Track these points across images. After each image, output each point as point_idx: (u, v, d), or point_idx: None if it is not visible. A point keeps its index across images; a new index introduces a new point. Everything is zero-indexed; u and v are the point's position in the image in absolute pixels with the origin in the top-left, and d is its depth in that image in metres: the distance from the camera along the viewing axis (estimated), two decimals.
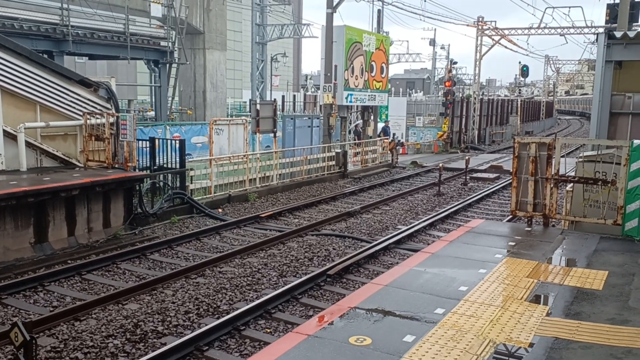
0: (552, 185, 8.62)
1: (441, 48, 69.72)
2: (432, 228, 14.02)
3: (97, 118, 13.37)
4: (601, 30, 29.80)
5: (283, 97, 38.39)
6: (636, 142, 8.10)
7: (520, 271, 6.40)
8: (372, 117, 27.36)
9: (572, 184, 9.28)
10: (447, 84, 36.46)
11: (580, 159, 9.16)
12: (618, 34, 12.12)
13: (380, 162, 26.09)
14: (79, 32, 20.56)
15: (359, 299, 5.30)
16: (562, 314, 5.19)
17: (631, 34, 12.01)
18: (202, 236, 12.65)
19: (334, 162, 21.99)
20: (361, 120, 27.27)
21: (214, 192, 16.18)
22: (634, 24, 23.11)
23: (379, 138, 27.16)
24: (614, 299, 5.63)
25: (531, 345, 4.48)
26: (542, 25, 39.91)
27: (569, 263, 6.96)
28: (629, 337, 4.68)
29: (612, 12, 22.93)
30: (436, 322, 4.83)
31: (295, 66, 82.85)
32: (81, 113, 13.35)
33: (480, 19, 39.95)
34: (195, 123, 23.74)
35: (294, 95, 40.87)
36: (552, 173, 8.55)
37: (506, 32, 41.79)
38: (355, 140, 26.32)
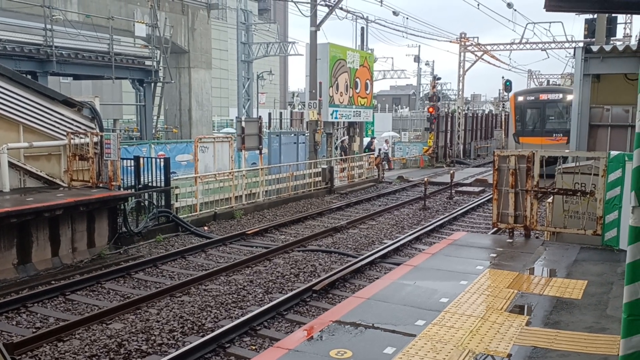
0: (532, 197, 8.73)
1: (426, 64, 70.29)
2: (417, 242, 14.10)
3: (81, 138, 13.37)
4: (581, 44, 30.22)
5: (270, 114, 38.50)
6: (613, 153, 8.25)
7: (501, 282, 6.47)
8: (357, 133, 27.53)
9: (552, 196, 9.39)
10: (431, 99, 36.82)
11: (559, 171, 9.30)
12: (595, 48, 12.37)
13: (366, 178, 26.21)
14: (63, 52, 20.60)
15: (340, 313, 5.33)
16: (541, 324, 5.25)
17: (607, 47, 12.27)
18: (187, 254, 12.62)
19: (320, 178, 22.07)
20: (347, 136, 27.44)
21: (200, 210, 16.17)
22: (611, 38, 23.54)
23: (365, 153, 27.34)
24: (593, 307, 5.71)
25: (509, 355, 4.54)
26: (524, 40, 40.54)
27: (549, 273, 7.04)
28: (605, 344, 4.75)
29: (590, 27, 23.39)
30: (417, 334, 4.87)
31: (282, 84, 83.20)
32: (65, 133, 13.34)
33: (463, 35, 40.52)
34: (180, 141, 23.76)
35: (281, 113, 40.99)
36: (532, 185, 8.67)
37: (488, 47, 42.40)
38: (341, 155, 26.46)
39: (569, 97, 22.49)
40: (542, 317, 5.40)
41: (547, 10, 8.91)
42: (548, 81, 36.23)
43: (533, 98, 25.61)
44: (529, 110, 26.09)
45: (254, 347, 7.67)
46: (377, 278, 10.55)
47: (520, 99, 26.34)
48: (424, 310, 5.48)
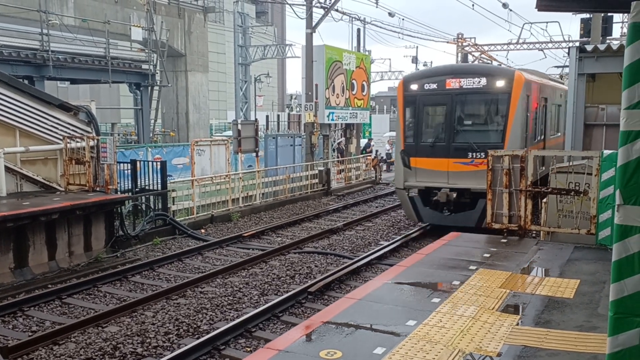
0: (526, 197, 8.75)
1: (424, 65, 70.29)
2: (414, 242, 14.10)
3: (78, 142, 13.38)
4: (577, 44, 29.82)
5: (267, 117, 38.56)
6: (606, 152, 8.27)
7: (494, 282, 6.49)
8: (354, 135, 27.58)
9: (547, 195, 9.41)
10: None
11: (553, 170, 9.33)
12: (589, 48, 12.40)
13: (363, 179, 26.23)
14: (60, 56, 20.65)
15: (332, 314, 5.36)
16: (532, 323, 5.27)
17: (602, 47, 12.31)
18: (184, 257, 12.64)
19: (317, 180, 22.09)
20: (344, 138, 27.49)
21: (197, 213, 16.19)
22: (608, 37, 23.56)
23: (362, 155, 27.38)
24: (584, 306, 5.73)
25: (499, 354, 4.55)
26: (521, 40, 40.58)
27: (542, 273, 7.06)
28: (595, 343, 4.77)
29: (586, 27, 23.42)
30: (407, 334, 4.89)
31: (280, 86, 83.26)
32: (61, 137, 13.36)
33: (460, 36, 40.57)
34: (176, 145, 23.82)
35: (278, 115, 41.06)
36: (526, 185, 8.69)
37: (486, 48, 42.42)
38: (338, 157, 26.50)
39: (500, 84, 13.49)
40: (533, 317, 5.43)
41: (538, 10, 8.96)
42: (465, 55, 18.29)
43: (435, 86, 14.24)
44: (428, 108, 14.70)
45: (248, 349, 7.68)
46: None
47: (414, 87, 14.54)
48: (415, 310, 5.50)
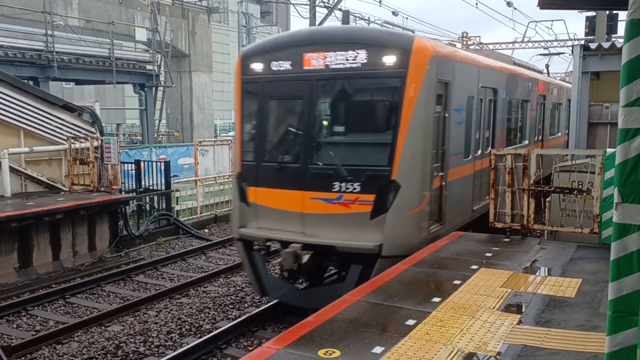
0: (529, 196, 8.72)
1: None
2: None
3: (82, 142, 13.44)
4: (582, 42, 29.44)
5: None
6: (609, 150, 8.23)
7: (495, 281, 6.47)
8: None
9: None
10: None
11: (556, 169, 9.29)
12: (593, 46, 12.35)
13: None
14: (64, 57, 20.74)
15: (331, 313, 5.35)
16: (533, 322, 5.25)
17: (606, 45, 12.26)
18: (187, 257, 12.67)
19: None
20: None
21: (200, 213, 16.23)
22: (613, 35, 23.44)
23: None
24: (585, 305, 5.70)
25: (498, 353, 4.54)
26: (526, 39, 40.48)
27: (543, 272, 7.04)
28: (596, 342, 4.74)
29: (591, 25, 23.32)
30: (407, 333, 4.88)
31: None
32: (65, 137, 13.42)
33: (465, 34, 40.49)
34: (181, 145, 23.86)
35: None
36: (529, 184, 8.66)
37: (490, 47, 42.30)
38: None
39: (389, 60, 7.83)
40: (534, 316, 5.40)
41: (541, 8, 8.97)
42: (346, 13, 14.18)
43: (288, 65, 8.42)
44: (276, 103, 9.10)
45: (250, 348, 7.70)
46: None
47: (257, 67, 8.68)
48: (415, 309, 5.48)
